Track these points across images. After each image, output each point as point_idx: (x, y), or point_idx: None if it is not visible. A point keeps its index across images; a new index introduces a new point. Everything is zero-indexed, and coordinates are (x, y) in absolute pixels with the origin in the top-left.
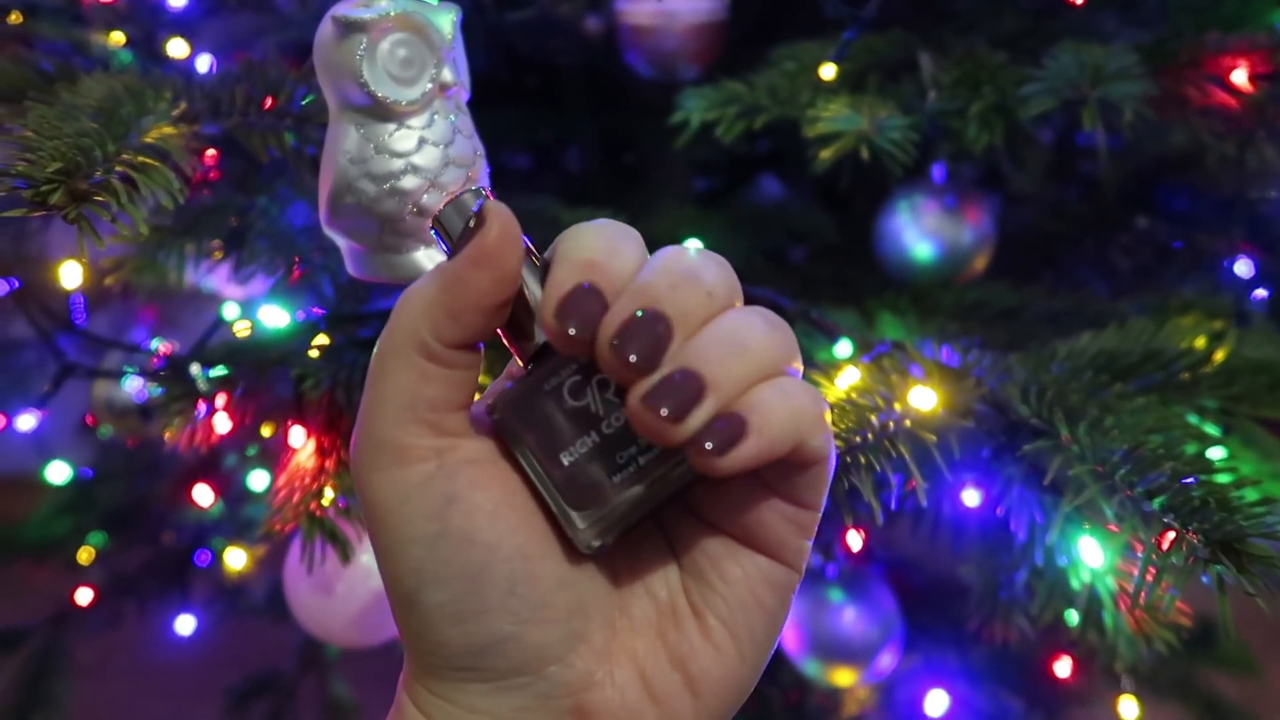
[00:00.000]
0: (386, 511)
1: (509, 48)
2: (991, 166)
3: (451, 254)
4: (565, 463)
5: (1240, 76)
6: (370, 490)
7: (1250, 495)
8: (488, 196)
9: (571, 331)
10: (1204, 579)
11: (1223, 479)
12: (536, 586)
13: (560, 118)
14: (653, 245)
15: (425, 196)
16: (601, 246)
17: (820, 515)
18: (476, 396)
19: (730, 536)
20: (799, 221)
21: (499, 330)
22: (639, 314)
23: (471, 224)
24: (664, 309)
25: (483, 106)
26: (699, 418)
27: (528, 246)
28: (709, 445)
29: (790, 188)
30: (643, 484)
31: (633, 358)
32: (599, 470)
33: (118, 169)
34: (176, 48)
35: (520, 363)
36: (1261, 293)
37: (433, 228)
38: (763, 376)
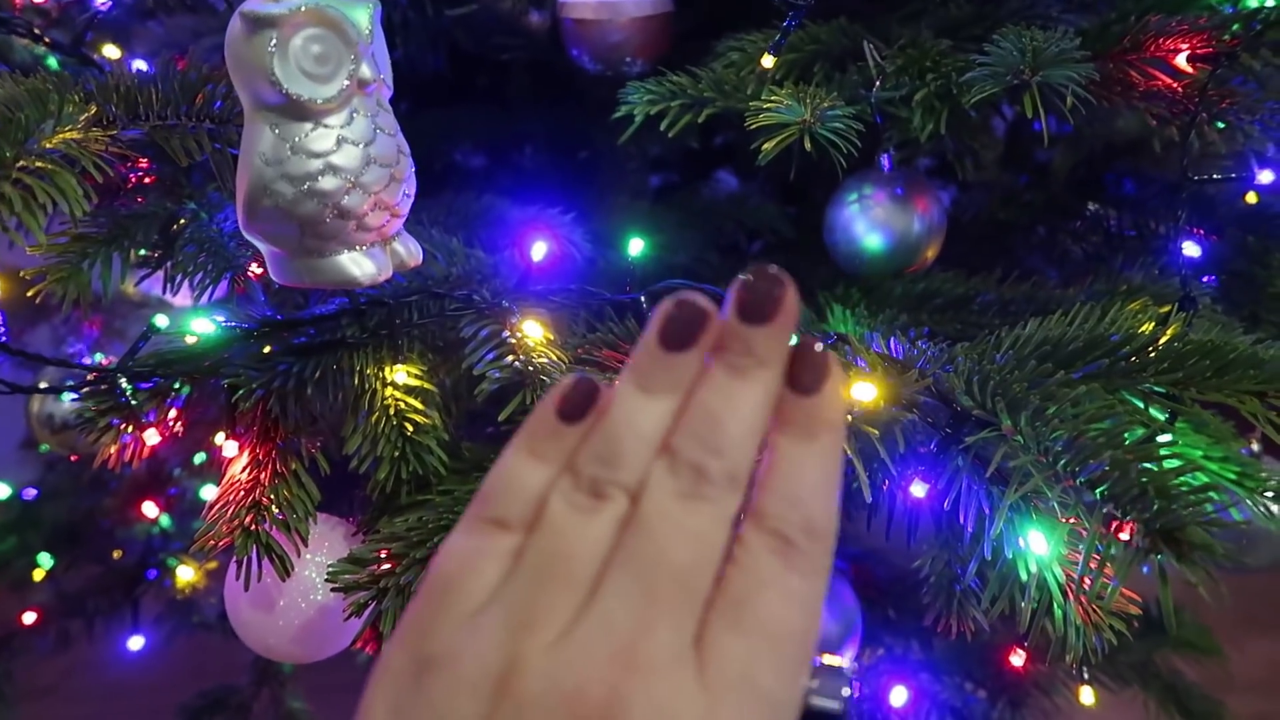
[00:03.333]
0: None
1: (453, 46)
2: (943, 156)
3: None
4: None
5: (1182, 59)
6: None
7: (1192, 481)
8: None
9: None
10: (1146, 569)
11: (1165, 465)
12: None
13: (510, 116)
14: (608, 241)
15: (345, 198)
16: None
17: None
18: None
19: None
20: (753, 216)
21: None
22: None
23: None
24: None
25: (432, 105)
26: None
27: None
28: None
29: (747, 182)
30: None
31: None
32: None
33: (14, 176)
34: (109, 52)
35: None
36: (1207, 279)
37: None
38: None
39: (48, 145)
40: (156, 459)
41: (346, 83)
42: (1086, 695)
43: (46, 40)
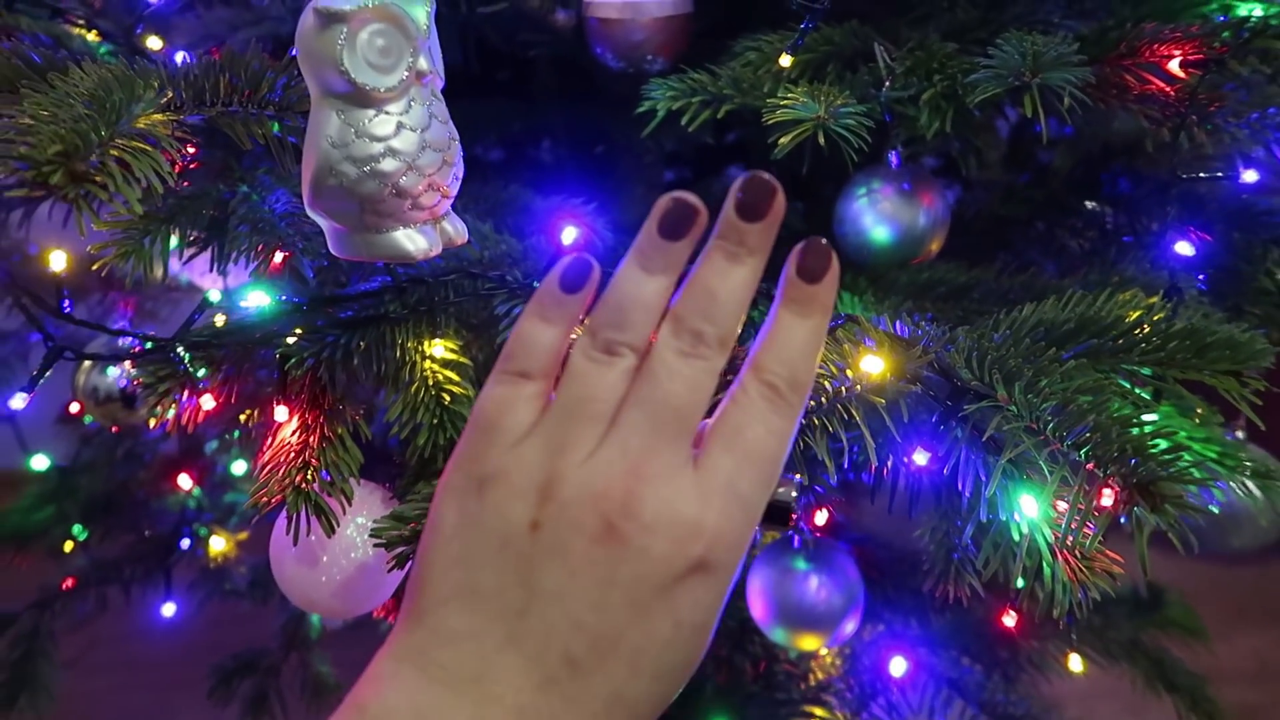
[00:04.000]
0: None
1: (481, 41)
2: (950, 154)
3: None
4: None
5: (1175, 64)
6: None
7: (1165, 444)
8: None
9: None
10: (1124, 520)
11: (1143, 430)
12: None
13: (532, 109)
14: (628, 229)
15: (403, 178)
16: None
17: None
18: None
19: None
20: None
21: None
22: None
23: None
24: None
25: (456, 98)
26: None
27: None
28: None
29: None
30: None
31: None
32: None
33: (112, 153)
34: (152, 42)
35: None
36: (1197, 277)
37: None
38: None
39: (137, 126)
40: (192, 434)
41: (406, 73)
42: (1075, 663)
43: (97, 31)
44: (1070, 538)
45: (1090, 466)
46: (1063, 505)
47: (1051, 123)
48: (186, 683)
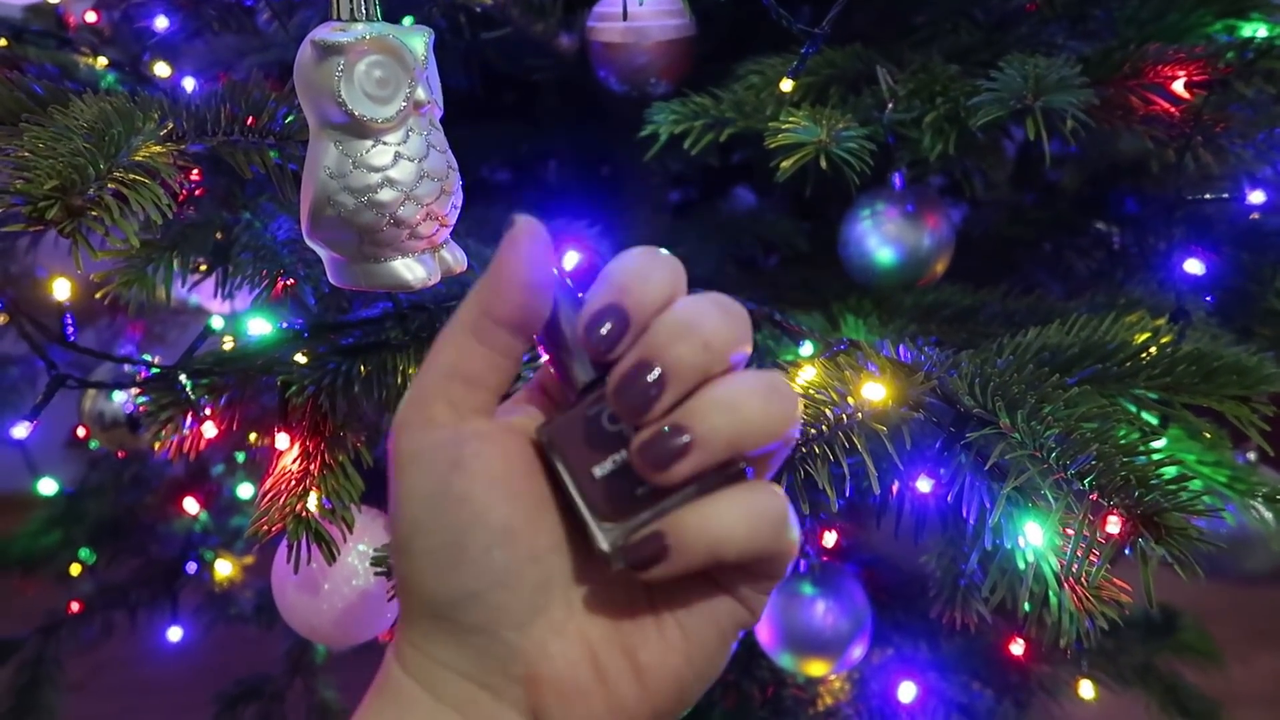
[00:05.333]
0: (402, 466)
1: (485, 66)
2: (955, 174)
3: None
4: (596, 476)
5: (1179, 85)
6: (397, 444)
7: (1169, 473)
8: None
9: (604, 341)
10: (1129, 552)
11: (1149, 459)
12: (511, 554)
13: (538, 132)
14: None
15: (401, 208)
16: (635, 273)
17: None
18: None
19: (704, 571)
20: (770, 230)
21: (552, 368)
22: (636, 366)
23: (506, 229)
24: (661, 361)
25: (462, 122)
26: (683, 469)
27: (569, 285)
28: (700, 487)
29: (764, 198)
30: (659, 507)
31: (628, 407)
32: (625, 486)
33: (110, 186)
34: (160, 69)
35: (576, 383)
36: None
37: None
38: (756, 440)
39: (136, 159)
40: (198, 459)
41: (404, 104)
42: (1086, 689)
43: (105, 60)
44: (1076, 566)
45: (1094, 496)
46: (1068, 534)
47: (1057, 143)
48: (192, 707)
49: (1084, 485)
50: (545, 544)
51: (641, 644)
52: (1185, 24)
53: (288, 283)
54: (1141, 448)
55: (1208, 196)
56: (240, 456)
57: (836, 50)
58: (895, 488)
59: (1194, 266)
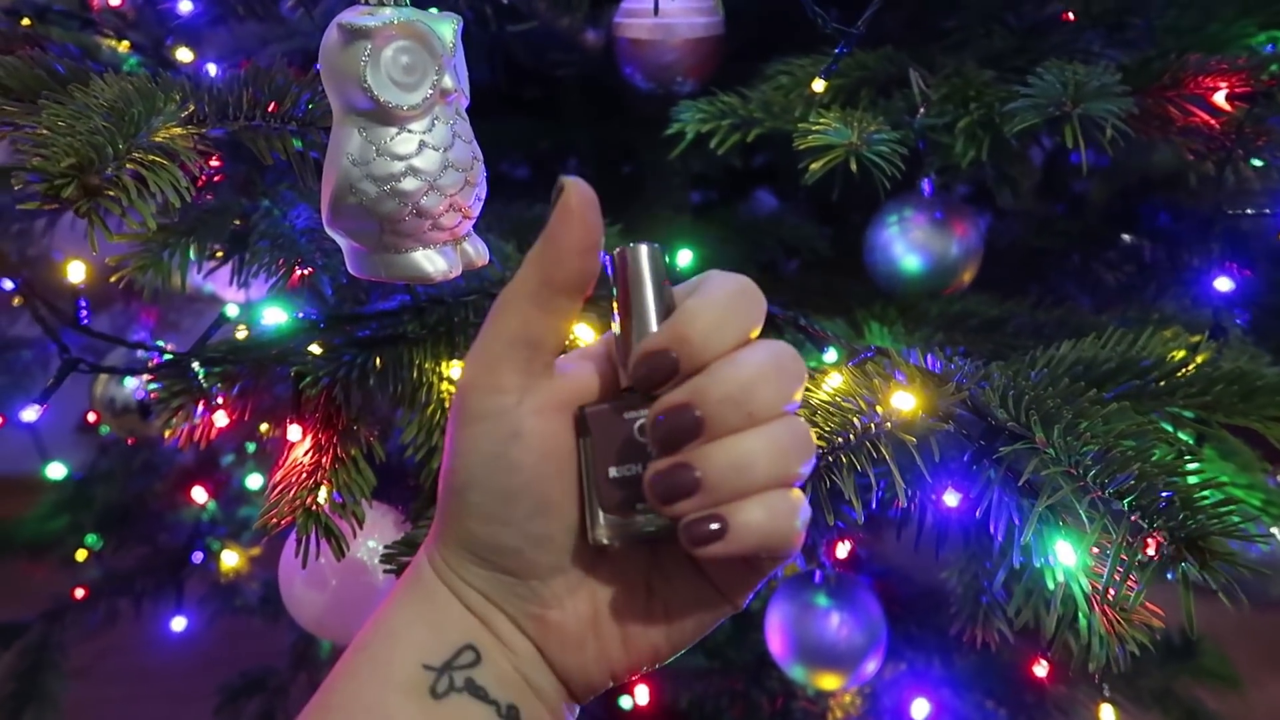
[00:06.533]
0: (466, 423)
1: (509, 59)
2: (982, 183)
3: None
4: (612, 475)
5: (1220, 97)
6: (463, 403)
7: (1214, 496)
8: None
9: (642, 381)
10: (1170, 576)
11: (1189, 480)
12: (548, 523)
13: (559, 129)
14: None
15: (424, 198)
16: (709, 321)
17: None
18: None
19: (699, 568)
20: (792, 234)
21: (615, 343)
22: (681, 407)
23: (555, 195)
24: (703, 414)
25: (483, 117)
26: (684, 508)
27: (662, 274)
28: (688, 536)
29: (785, 201)
30: (654, 521)
31: (657, 438)
32: (633, 494)
33: (128, 166)
34: (183, 54)
35: (622, 380)
36: (1238, 317)
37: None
38: (759, 491)
39: (156, 139)
40: (207, 448)
41: (430, 92)
42: (1107, 714)
43: (129, 43)
44: (1112, 590)
45: (1135, 518)
46: (1102, 555)
47: (1087, 154)
48: (194, 696)
49: (1123, 505)
50: (577, 518)
51: (632, 618)
52: (1227, 34)
53: (305, 272)
54: (1182, 469)
55: (1249, 211)
56: (250, 447)
57: (867, 53)
58: (917, 500)
59: (1229, 283)
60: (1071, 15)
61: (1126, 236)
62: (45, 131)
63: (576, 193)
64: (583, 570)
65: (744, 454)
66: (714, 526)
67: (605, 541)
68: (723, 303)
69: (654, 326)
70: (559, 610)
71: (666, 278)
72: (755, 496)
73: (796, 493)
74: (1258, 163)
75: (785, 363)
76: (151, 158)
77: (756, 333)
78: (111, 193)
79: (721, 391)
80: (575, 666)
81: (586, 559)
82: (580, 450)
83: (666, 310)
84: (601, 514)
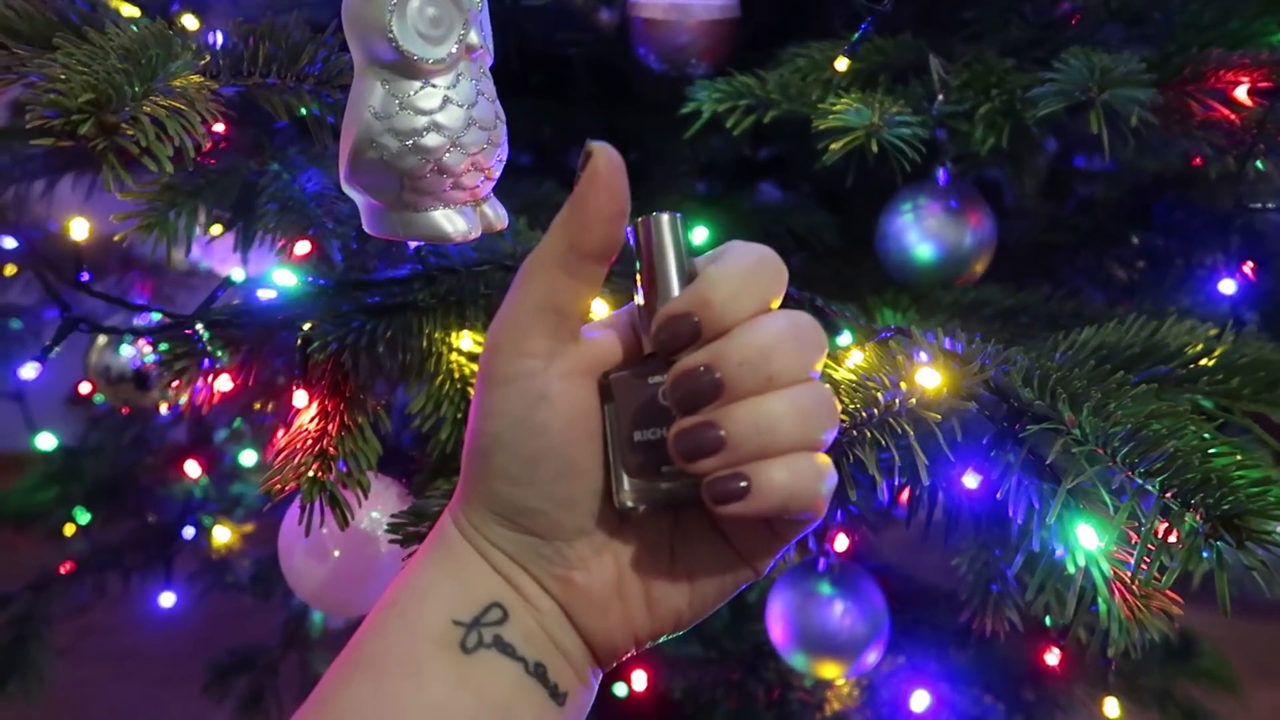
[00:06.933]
0: (493, 386)
1: (521, 38)
2: (987, 182)
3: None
4: (636, 439)
5: (1242, 92)
6: (490, 365)
7: (1250, 475)
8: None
9: (664, 344)
10: (1206, 554)
11: (1223, 461)
12: (574, 485)
13: (566, 112)
14: None
15: (446, 155)
16: (731, 287)
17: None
18: (592, 317)
19: (721, 533)
20: (802, 221)
21: (638, 312)
22: (700, 369)
23: (583, 161)
24: (722, 375)
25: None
26: (707, 465)
27: (683, 244)
28: (712, 494)
29: (792, 192)
30: (682, 483)
31: (677, 399)
32: (656, 457)
33: (145, 110)
34: (188, 22)
35: (645, 348)
36: (1250, 314)
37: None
38: (782, 453)
39: (173, 85)
40: (200, 423)
41: (456, 47)
42: (1111, 707)
43: (136, 9)
44: (1137, 573)
45: (1169, 495)
46: (1127, 537)
47: (1089, 158)
48: (176, 678)
49: (1155, 485)
50: (602, 480)
51: (656, 581)
52: (1247, 31)
53: (308, 244)
54: (1216, 449)
55: (1269, 206)
56: (242, 423)
57: (885, 39)
58: (931, 485)
59: (1245, 278)
60: (1085, 14)
61: (1135, 237)
62: (61, 72)
63: (605, 158)
64: (607, 533)
65: (767, 414)
66: (740, 484)
67: (630, 504)
68: (744, 270)
69: (676, 293)
70: (584, 572)
71: (687, 247)
72: (780, 458)
73: (823, 457)
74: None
75: (805, 330)
76: (170, 102)
77: (778, 303)
78: (130, 132)
79: (741, 354)
80: (599, 629)
81: (611, 522)
82: (604, 416)
83: (688, 278)
84: (626, 478)
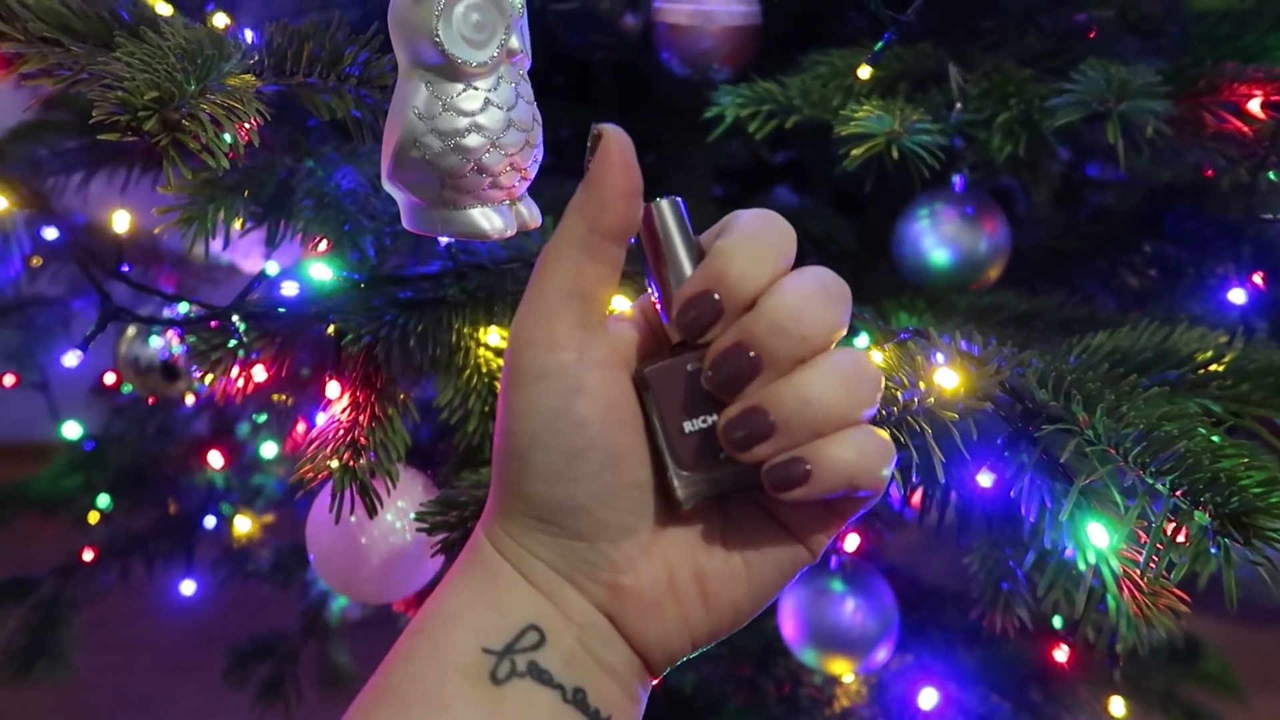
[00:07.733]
0: (524, 381)
1: (548, 39)
2: (1002, 189)
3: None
4: (686, 430)
5: (1255, 105)
6: (518, 360)
7: (1258, 475)
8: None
9: (689, 327)
10: (1214, 550)
11: (1232, 461)
12: (616, 478)
13: (587, 114)
14: None
15: (486, 155)
16: (743, 256)
17: (846, 519)
18: (612, 310)
19: (774, 516)
20: (820, 224)
21: (656, 306)
22: (735, 348)
23: (593, 143)
24: (757, 351)
25: None
26: (762, 452)
27: (688, 225)
28: (773, 480)
29: (808, 197)
30: (735, 470)
31: (718, 384)
32: (708, 447)
33: (203, 108)
34: (219, 20)
35: (672, 337)
36: (1260, 325)
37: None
38: (835, 428)
39: (227, 83)
40: (223, 414)
41: (498, 51)
42: (1117, 706)
43: (170, 6)
44: (1146, 570)
45: (1179, 494)
46: (1137, 536)
47: (1101, 167)
48: (188, 666)
49: (1165, 484)
50: (645, 473)
51: (712, 574)
52: (1261, 45)
53: (349, 231)
54: (1226, 450)
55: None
56: (264, 416)
57: (907, 48)
58: (946, 484)
59: (1255, 288)
60: (1102, 26)
61: (1147, 246)
62: (124, 70)
63: (615, 138)
64: (654, 530)
65: (811, 387)
66: (803, 468)
67: (690, 499)
68: (753, 236)
69: (690, 275)
70: (632, 574)
71: (692, 227)
72: (837, 435)
73: (882, 432)
74: None
75: (828, 282)
76: (226, 99)
77: (790, 262)
78: (190, 127)
79: (769, 322)
80: (655, 634)
81: (657, 518)
82: (646, 412)
83: (699, 257)
84: (682, 472)
